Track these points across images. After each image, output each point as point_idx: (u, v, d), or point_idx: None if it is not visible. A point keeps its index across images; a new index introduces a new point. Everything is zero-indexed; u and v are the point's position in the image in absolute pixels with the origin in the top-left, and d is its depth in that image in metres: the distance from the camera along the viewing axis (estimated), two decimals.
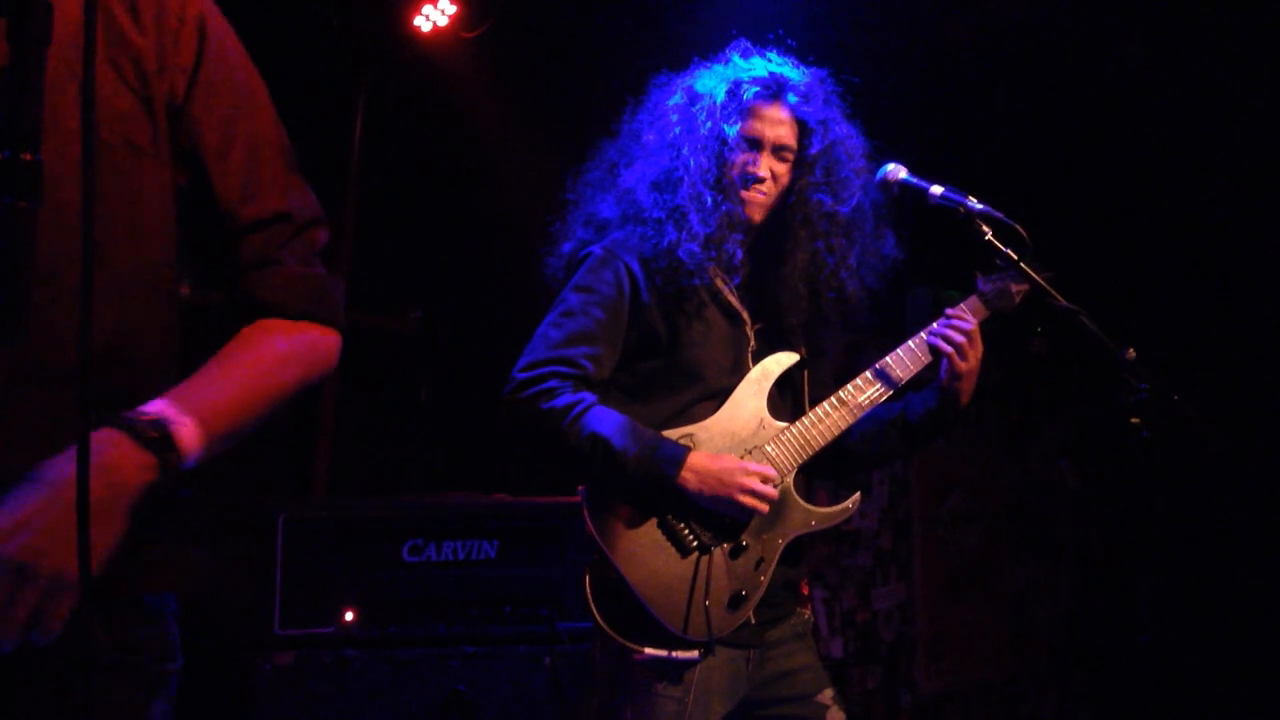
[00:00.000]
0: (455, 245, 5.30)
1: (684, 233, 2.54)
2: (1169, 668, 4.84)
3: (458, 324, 5.28)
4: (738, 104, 2.62)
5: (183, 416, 1.35)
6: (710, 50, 2.76)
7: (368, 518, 3.59)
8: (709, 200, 2.56)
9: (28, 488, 1.22)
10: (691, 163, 2.58)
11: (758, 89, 2.63)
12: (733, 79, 2.65)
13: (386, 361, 5.10)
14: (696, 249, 2.53)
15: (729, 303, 2.64)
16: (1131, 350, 2.33)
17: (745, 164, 2.60)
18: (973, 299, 2.71)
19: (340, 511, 3.61)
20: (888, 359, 2.66)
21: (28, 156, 1.00)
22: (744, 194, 2.60)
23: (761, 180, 2.61)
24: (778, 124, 2.63)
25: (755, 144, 2.61)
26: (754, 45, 2.73)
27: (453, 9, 4.93)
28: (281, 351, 1.55)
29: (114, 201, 1.39)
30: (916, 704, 5.19)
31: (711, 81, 2.66)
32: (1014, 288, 2.70)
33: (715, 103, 2.62)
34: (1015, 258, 2.47)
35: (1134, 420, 2.26)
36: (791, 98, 2.64)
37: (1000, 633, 5.47)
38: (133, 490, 1.28)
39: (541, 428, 2.42)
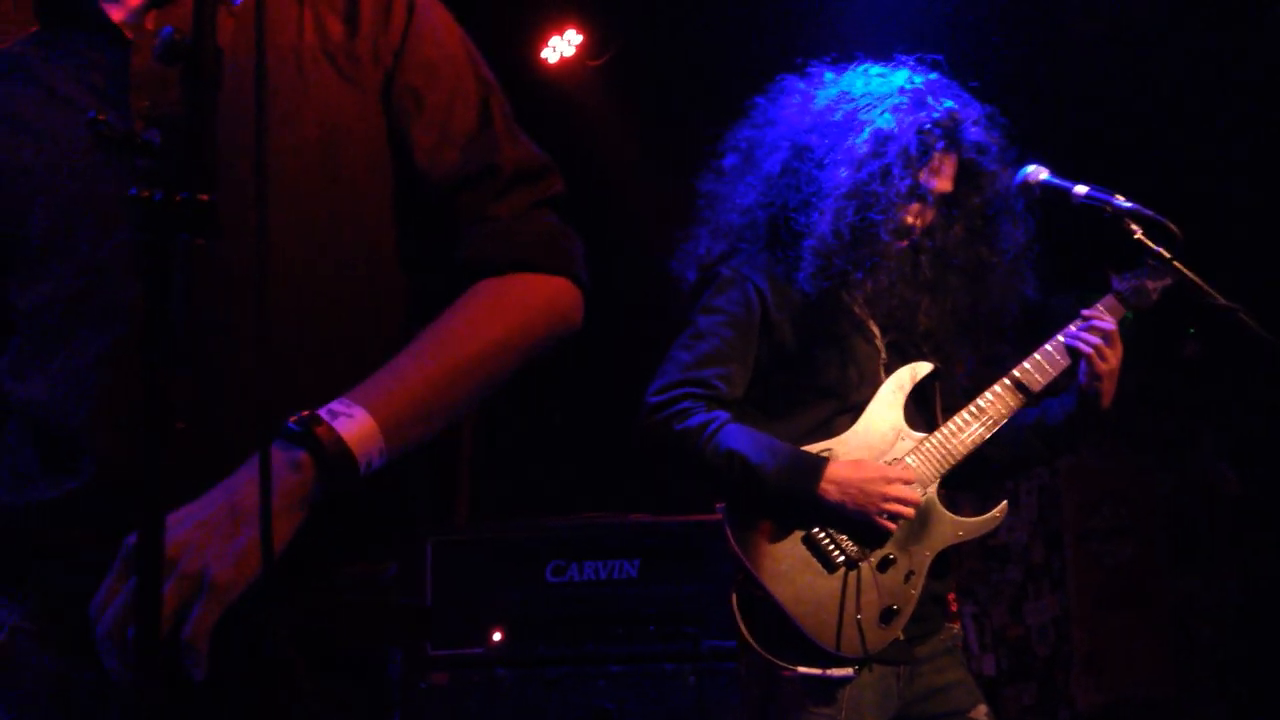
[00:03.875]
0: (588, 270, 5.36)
1: (818, 266, 2.51)
2: None
3: (589, 346, 5.32)
4: (909, 155, 2.49)
5: (351, 408, 1.25)
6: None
7: (511, 540, 3.65)
8: (848, 236, 2.49)
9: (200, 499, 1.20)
10: (840, 198, 2.50)
11: (937, 140, 2.53)
12: (906, 124, 2.50)
13: (522, 385, 5.17)
14: (826, 281, 2.50)
15: (857, 316, 2.61)
16: None
17: (904, 218, 2.54)
18: (1109, 298, 2.62)
19: (485, 535, 3.69)
20: (1025, 364, 2.59)
21: (204, 197, 1.02)
22: (895, 243, 2.54)
23: (913, 231, 2.57)
24: (947, 178, 2.57)
25: (922, 198, 2.55)
26: (917, 62, 2.64)
27: (579, 39, 5.01)
28: (479, 309, 1.40)
29: (327, 193, 1.38)
30: None
31: (884, 119, 2.52)
32: (1150, 284, 2.60)
33: (886, 148, 2.49)
34: (1168, 256, 2.38)
35: None
36: (966, 148, 2.56)
37: (1161, 647, 5.27)
38: (282, 491, 1.18)
39: (678, 449, 2.43)
